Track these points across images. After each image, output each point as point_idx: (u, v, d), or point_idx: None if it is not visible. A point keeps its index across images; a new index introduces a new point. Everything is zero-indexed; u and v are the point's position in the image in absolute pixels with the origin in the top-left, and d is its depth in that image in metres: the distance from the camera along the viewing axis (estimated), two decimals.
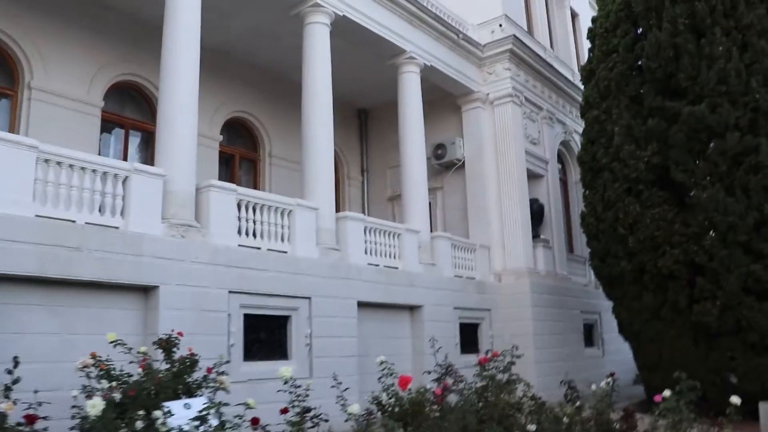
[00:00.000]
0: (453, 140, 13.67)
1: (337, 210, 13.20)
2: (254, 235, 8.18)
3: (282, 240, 8.43)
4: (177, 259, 6.90)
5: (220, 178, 10.82)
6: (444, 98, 13.98)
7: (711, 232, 8.76)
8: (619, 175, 10.00)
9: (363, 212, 14.53)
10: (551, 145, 14.99)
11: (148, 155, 10.26)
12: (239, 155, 12.34)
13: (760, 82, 8.79)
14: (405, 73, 12.07)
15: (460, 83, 13.47)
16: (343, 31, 10.84)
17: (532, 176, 14.09)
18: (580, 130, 13.96)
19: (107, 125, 9.98)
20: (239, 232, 8.01)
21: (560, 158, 15.82)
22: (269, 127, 12.67)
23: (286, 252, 8.44)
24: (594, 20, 11.86)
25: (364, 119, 15.35)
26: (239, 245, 7.88)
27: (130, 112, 10.38)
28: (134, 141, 10.34)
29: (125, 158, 10.05)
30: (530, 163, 13.91)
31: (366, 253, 9.82)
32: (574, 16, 18.73)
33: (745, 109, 8.83)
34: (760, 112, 8.78)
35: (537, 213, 13.79)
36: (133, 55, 10.19)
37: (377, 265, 9.88)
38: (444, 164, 13.80)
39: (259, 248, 8.11)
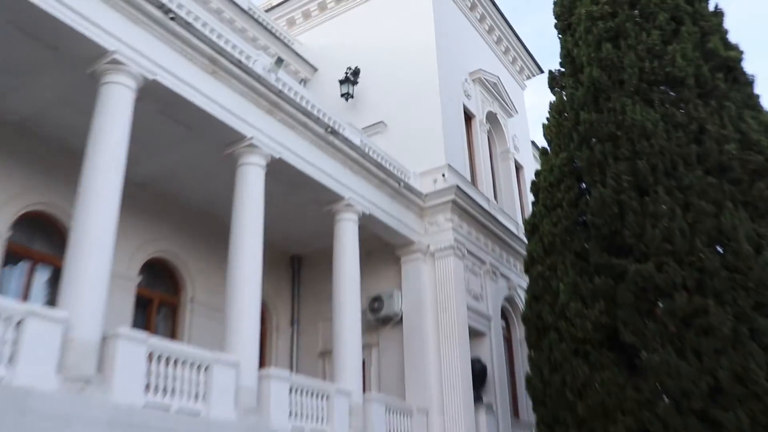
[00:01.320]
0: (391, 293, 13.75)
1: (262, 365, 12.77)
2: (165, 392, 7.69)
3: (196, 399, 7.95)
4: (69, 420, 6.32)
5: (135, 325, 10.32)
6: (383, 248, 14.25)
7: (664, 398, 8.85)
8: (565, 335, 10.17)
9: (291, 368, 14.10)
10: (495, 301, 15.28)
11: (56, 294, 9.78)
12: (158, 299, 11.91)
13: (704, 242, 9.40)
14: (342, 221, 12.33)
15: (400, 233, 13.84)
16: (279, 173, 11.14)
17: (475, 334, 14.14)
18: (525, 285, 14.41)
19: (12, 257, 9.63)
20: (147, 388, 7.53)
21: (504, 315, 16.06)
22: (194, 270, 12.44)
23: (199, 414, 7.92)
24: (537, 174, 12.69)
25: (297, 267, 15.38)
26: (145, 405, 7.36)
27: (40, 245, 10.07)
28: (42, 277, 9.98)
29: (26, 296, 9.62)
30: (472, 320, 14.00)
31: (290, 416, 9.34)
32: (518, 168, 20.13)
33: (692, 269, 9.33)
34: (706, 272, 9.24)
35: (479, 374, 13.66)
36: (46, 185, 10.16)
37: (303, 430, 9.38)
38: (381, 318, 13.74)
39: (168, 409, 7.58)
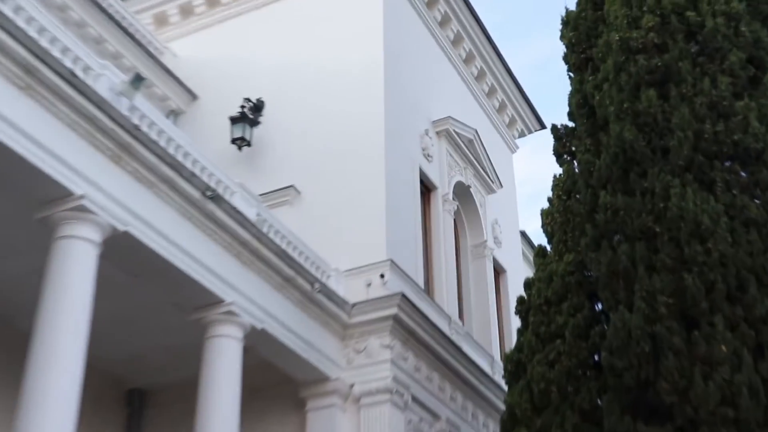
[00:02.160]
0: None
1: None
2: None
3: None
4: None
5: None
6: (279, 385, 14.12)
7: None
8: None
9: None
10: None
11: None
12: None
13: None
14: (218, 338, 12.19)
15: (309, 363, 13.76)
16: (124, 254, 10.99)
17: None
18: None
19: None
20: None
21: None
22: None
23: None
24: (529, 284, 12.75)
25: (138, 406, 15.09)
26: None
27: None
28: None
29: None
30: None
31: None
32: (498, 272, 20.42)
33: None
34: None
35: None
36: None
37: None
38: None
39: None
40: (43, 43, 10.00)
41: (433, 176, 18.36)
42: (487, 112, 22.25)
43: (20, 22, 9.70)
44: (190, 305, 12.33)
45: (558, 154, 13.62)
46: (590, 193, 12.12)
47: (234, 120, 17.24)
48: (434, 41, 20.22)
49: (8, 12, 9.58)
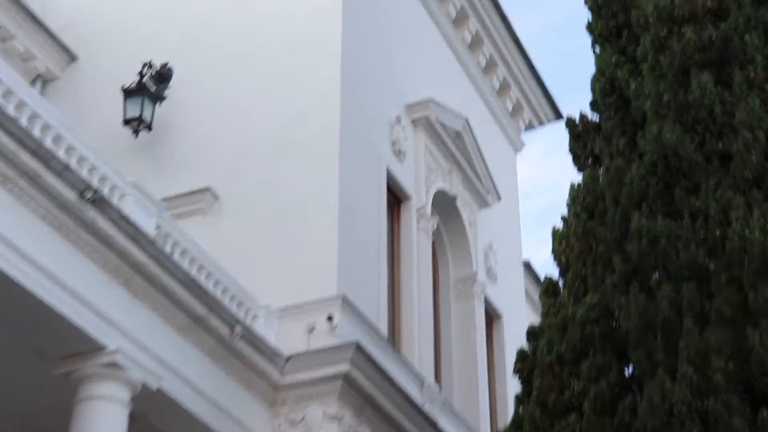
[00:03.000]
0: None
1: None
2: None
3: None
4: None
5: None
6: None
7: None
8: None
9: None
10: None
11: None
12: None
13: None
14: (93, 400, 12.08)
15: None
16: None
17: None
18: None
19: None
20: None
21: None
22: None
23: None
24: (534, 335, 12.94)
25: None
26: None
27: None
28: None
29: None
30: None
31: None
32: (492, 317, 20.53)
33: None
34: None
35: None
36: None
37: None
38: None
39: None
40: None
41: (406, 181, 18.39)
42: (484, 94, 22.33)
43: None
44: (57, 353, 12.19)
45: (576, 156, 13.65)
46: (620, 214, 12.15)
47: (129, 93, 17.16)
48: None
49: None
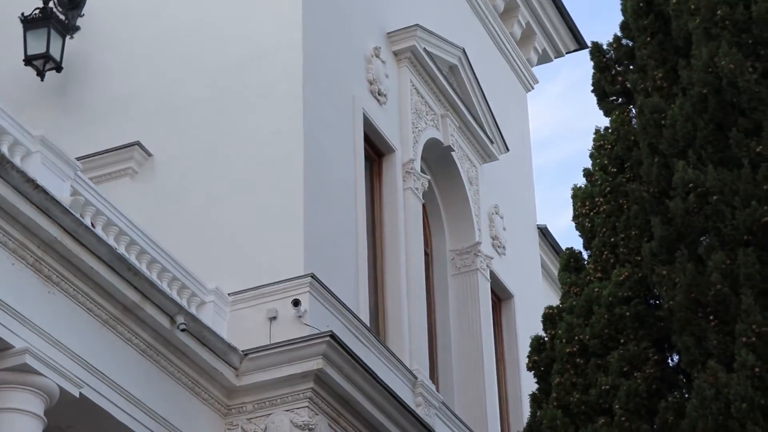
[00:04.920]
0: None
1: None
2: None
3: None
4: None
5: None
6: None
7: None
8: None
9: None
10: None
11: None
12: None
13: None
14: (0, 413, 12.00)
15: None
16: None
17: None
18: None
19: None
20: None
21: None
22: None
23: None
24: (552, 319, 13.06)
25: None
26: None
27: None
28: None
29: None
30: None
31: None
32: (499, 298, 20.68)
33: None
34: None
35: None
36: None
37: None
38: None
39: None
40: None
41: (388, 129, 18.40)
42: (485, 19, 22.22)
43: None
44: None
45: (603, 93, 13.65)
46: (659, 164, 12.16)
47: (30, 23, 17.03)
48: None
49: None
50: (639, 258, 12.31)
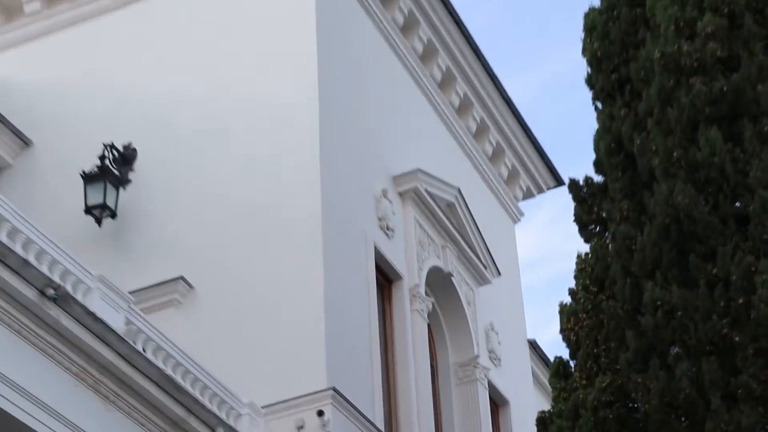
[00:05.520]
0: None
1: None
2: None
3: None
4: None
5: None
6: None
7: None
8: None
9: None
10: None
11: None
12: None
13: None
14: None
15: None
16: None
17: None
18: None
19: None
20: None
21: None
22: None
23: None
24: (544, 422, 12.95)
25: None
26: None
27: None
28: None
29: None
30: None
31: None
32: (497, 403, 20.47)
33: None
34: None
35: None
36: None
37: None
38: None
39: None
40: None
41: (396, 259, 18.39)
42: (476, 162, 22.35)
43: None
44: None
45: (582, 223, 13.69)
46: (631, 285, 12.21)
47: (89, 178, 17.15)
48: (395, 56, 20.33)
49: None
50: (618, 367, 12.20)
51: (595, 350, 12.69)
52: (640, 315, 11.94)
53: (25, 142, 18.75)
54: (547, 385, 14.89)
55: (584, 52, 14.31)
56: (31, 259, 11.86)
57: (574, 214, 13.89)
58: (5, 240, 11.58)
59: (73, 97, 18.83)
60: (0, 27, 19.99)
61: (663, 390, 11.25)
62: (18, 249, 11.69)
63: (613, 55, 13.88)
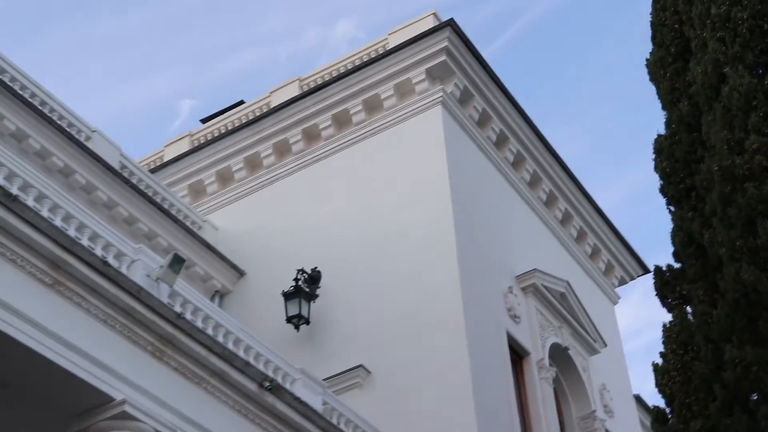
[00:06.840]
0: None
1: None
2: None
3: None
4: None
5: None
6: None
7: None
8: None
9: None
10: None
11: None
12: None
13: None
14: None
15: None
16: None
17: None
18: None
19: None
20: None
21: None
22: None
23: None
24: None
25: None
26: None
27: None
28: None
29: None
30: None
31: None
32: None
33: None
34: None
35: None
36: None
37: None
38: None
39: None
40: (71, 231, 10.22)
41: (524, 340, 18.18)
42: (579, 260, 22.14)
43: (44, 212, 9.94)
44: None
45: (665, 298, 13.61)
46: (712, 349, 12.01)
47: (288, 296, 17.34)
48: (508, 184, 20.38)
49: (30, 202, 9.82)
50: (708, 413, 11.96)
51: (686, 400, 12.47)
52: (722, 371, 11.71)
53: (241, 273, 19.16)
54: (650, 427, 14.59)
55: (656, 168, 14.42)
56: (251, 360, 12.05)
57: (658, 293, 14.02)
58: (231, 347, 11.77)
59: (273, 237, 19.24)
60: (218, 192, 20.56)
61: (747, 430, 11.05)
62: (241, 353, 11.91)
63: (679, 170, 13.91)
